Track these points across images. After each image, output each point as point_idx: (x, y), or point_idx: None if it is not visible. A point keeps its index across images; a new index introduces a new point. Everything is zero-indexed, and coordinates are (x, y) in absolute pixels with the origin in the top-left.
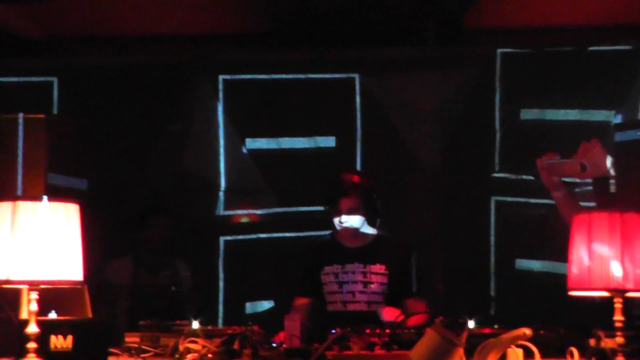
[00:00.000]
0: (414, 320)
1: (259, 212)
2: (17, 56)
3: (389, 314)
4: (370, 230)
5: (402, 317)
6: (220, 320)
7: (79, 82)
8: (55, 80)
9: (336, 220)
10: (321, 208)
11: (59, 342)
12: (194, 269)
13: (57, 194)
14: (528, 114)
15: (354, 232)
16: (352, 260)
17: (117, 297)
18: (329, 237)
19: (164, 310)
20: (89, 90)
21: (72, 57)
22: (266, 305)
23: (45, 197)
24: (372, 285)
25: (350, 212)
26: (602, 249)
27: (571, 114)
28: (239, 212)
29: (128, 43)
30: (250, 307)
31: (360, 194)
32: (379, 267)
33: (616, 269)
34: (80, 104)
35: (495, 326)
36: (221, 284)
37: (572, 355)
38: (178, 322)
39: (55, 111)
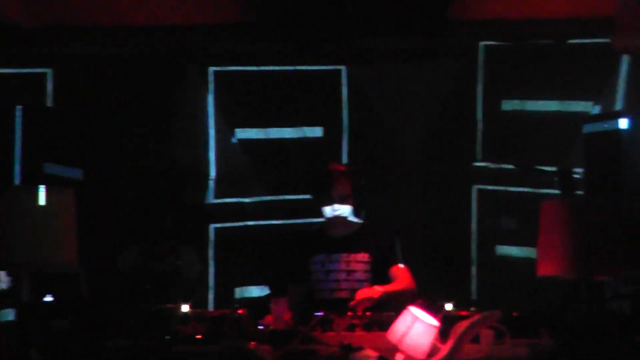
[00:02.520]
0: (399, 285)
1: (248, 200)
2: (10, 47)
3: (361, 293)
4: (355, 220)
5: (376, 295)
6: (210, 305)
7: (72, 73)
8: (49, 71)
9: (328, 208)
10: (308, 196)
11: (57, 323)
12: (185, 255)
13: (53, 182)
14: (509, 104)
15: (343, 220)
16: (337, 250)
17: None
18: (318, 227)
19: (164, 295)
20: (82, 81)
21: (65, 48)
22: (255, 290)
23: (42, 186)
24: (355, 274)
25: (342, 200)
26: (568, 234)
27: (551, 105)
28: (228, 200)
29: (121, 34)
30: (239, 292)
31: (351, 183)
32: (362, 256)
33: (581, 253)
34: (73, 95)
35: (472, 309)
36: (211, 270)
37: (541, 335)
38: (169, 305)
39: (49, 102)
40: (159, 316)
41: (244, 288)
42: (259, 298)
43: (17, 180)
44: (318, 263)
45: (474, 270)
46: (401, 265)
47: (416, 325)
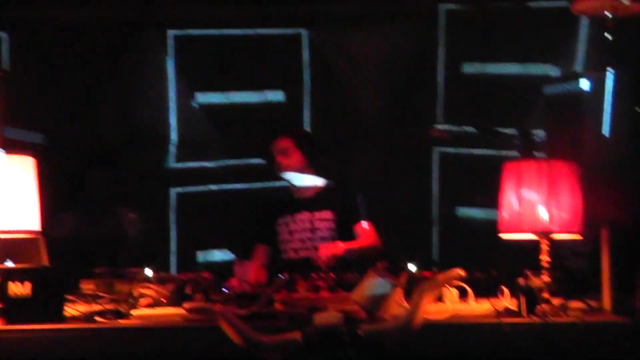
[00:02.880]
0: (362, 242)
1: (209, 164)
2: None
3: (324, 250)
4: (317, 182)
5: (339, 251)
6: (173, 269)
7: (29, 37)
8: (4, 35)
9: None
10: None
11: (17, 288)
12: (146, 219)
13: (14, 147)
14: (470, 67)
15: (296, 186)
16: (300, 209)
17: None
18: (284, 189)
19: (108, 259)
20: (39, 45)
21: (22, 12)
22: (217, 254)
23: (2, 150)
24: (319, 232)
25: (282, 153)
26: (530, 194)
27: (511, 68)
28: (190, 164)
29: None
30: (202, 256)
31: (300, 152)
32: (325, 214)
33: (543, 213)
34: (30, 59)
35: (435, 269)
36: (173, 234)
37: (502, 293)
38: (133, 269)
39: (5, 66)
40: (122, 280)
41: (207, 252)
42: (222, 262)
43: None
44: (282, 224)
45: (435, 231)
46: (365, 223)
47: (379, 286)
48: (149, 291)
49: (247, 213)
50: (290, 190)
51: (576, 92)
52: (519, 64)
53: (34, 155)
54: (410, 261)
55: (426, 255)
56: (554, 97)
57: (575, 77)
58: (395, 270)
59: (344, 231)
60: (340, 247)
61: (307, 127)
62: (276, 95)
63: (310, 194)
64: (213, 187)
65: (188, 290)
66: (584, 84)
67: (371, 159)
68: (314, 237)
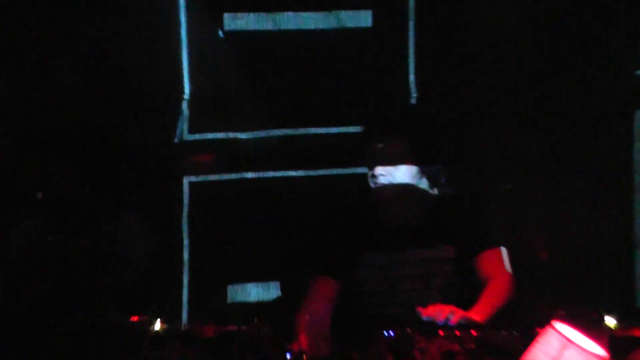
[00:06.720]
0: (491, 300)
1: (244, 135)
2: None
3: (432, 311)
4: (425, 189)
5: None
6: (184, 312)
7: None
8: None
9: (369, 174)
10: (346, 129)
11: None
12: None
13: None
14: None
15: (397, 192)
16: (405, 246)
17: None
18: (366, 207)
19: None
20: None
21: None
22: (254, 288)
23: None
24: (435, 280)
25: (388, 160)
26: None
27: None
28: (211, 136)
29: None
30: (232, 291)
31: (408, 136)
32: (443, 251)
33: None
34: None
35: None
36: (185, 253)
37: None
38: (136, 318)
39: None
40: (121, 335)
41: (238, 285)
42: (265, 303)
43: None
44: (374, 267)
45: (637, 265)
46: (493, 252)
47: (569, 355)
48: (163, 353)
49: (306, 222)
50: (378, 210)
51: None
52: None
53: None
54: (606, 310)
55: (626, 300)
56: None
57: None
58: (592, 327)
59: (466, 269)
60: (456, 315)
61: (411, 73)
62: (357, 18)
63: (417, 220)
64: (248, 174)
65: (231, 353)
66: None
67: (523, 136)
68: (429, 287)
